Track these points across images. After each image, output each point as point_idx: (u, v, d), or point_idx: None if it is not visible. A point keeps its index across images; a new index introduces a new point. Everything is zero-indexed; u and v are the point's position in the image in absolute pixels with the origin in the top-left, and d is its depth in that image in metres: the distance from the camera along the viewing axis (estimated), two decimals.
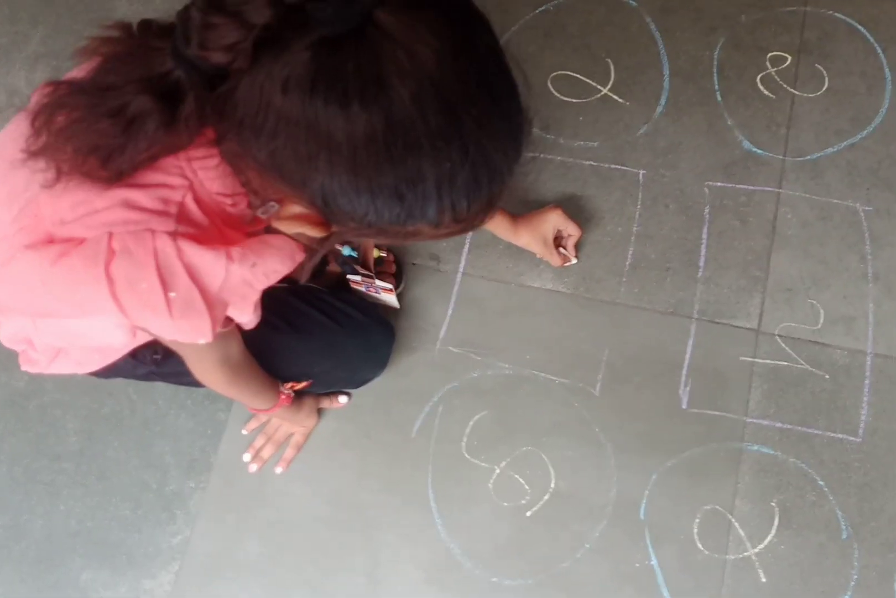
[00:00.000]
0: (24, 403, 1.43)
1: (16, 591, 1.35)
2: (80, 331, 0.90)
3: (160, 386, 1.41)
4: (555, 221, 1.35)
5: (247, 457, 1.36)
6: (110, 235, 0.67)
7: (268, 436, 1.36)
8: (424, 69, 0.52)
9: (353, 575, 1.31)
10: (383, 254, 1.39)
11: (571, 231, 1.37)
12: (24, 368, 1.03)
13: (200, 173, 0.69)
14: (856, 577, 1.26)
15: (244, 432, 1.38)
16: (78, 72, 0.72)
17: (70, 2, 1.71)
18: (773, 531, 1.29)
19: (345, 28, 0.51)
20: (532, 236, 1.37)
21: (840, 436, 1.32)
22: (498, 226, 1.37)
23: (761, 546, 1.28)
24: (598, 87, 1.53)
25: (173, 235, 0.69)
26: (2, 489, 1.39)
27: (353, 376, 1.32)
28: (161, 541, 1.35)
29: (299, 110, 0.52)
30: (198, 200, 0.71)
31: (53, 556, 1.36)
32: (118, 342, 0.96)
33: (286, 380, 1.20)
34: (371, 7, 0.51)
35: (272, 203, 0.76)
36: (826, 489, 1.30)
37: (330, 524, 1.33)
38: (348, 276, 1.32)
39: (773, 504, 1.30)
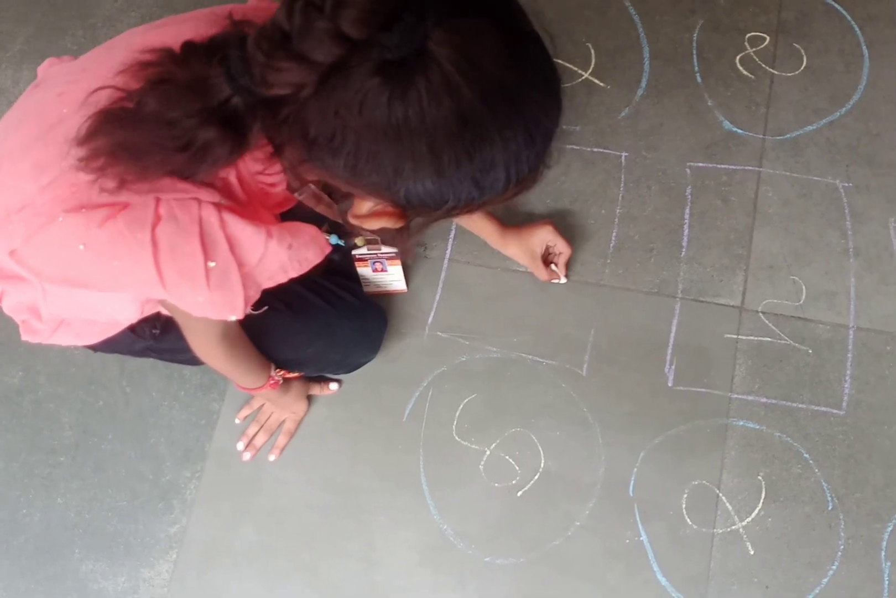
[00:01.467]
0: (18, 399, 1.45)
1: (15, 584, 1.36)
2: (91, 304, 0.93)
3: (153, 378, 1.43)
4: (544, 236, 1.36)
5: (240, 445, 1.38)
6: (157, 200, 0.70)
7: (260, 423, 1.38)
8: (484, 70, 0.55)
9: (349, 559, 1.33)
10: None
11: (561, 248, 1.37)
12: (24, 338, 1.05)
13: (246, 155, 0.70)
14: (842, 547, 1.28)
15: (237, 420, 1.40)
16: (93, 63, 0.75)
17: (54, 0, 1.72)
18: (760, 505, 1.30)
19: (410, 50, 0.54)
20: (520, 248, 1.38)
21: (824, 409, 1.34)
22: (487, 234, 1.38)
23: (749, 520, 1.30)
24: (579, 71, 1.54)
25: (218, 206, 0.72)
26: None
27: (345, 359, 1.34)
28: (158, 531, 1.37)
29: (380, 129, 0.56)
30: (240, 178, 0.74)
31: (52, 548, 1.38)
32: (126, 317, 0.99)
33: (280, 363, 1.22)
34: (432, 27, 0.54)
35: (310, 185, 0.79)
36: (811, 462, 1.32)
37: (324, 509, 1.35)
38: (354, 252, 1.34)
39: (759, 478, 1.31)
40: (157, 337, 1.10)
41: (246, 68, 0.57)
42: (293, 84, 0.55)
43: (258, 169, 0.75)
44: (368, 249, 1.33)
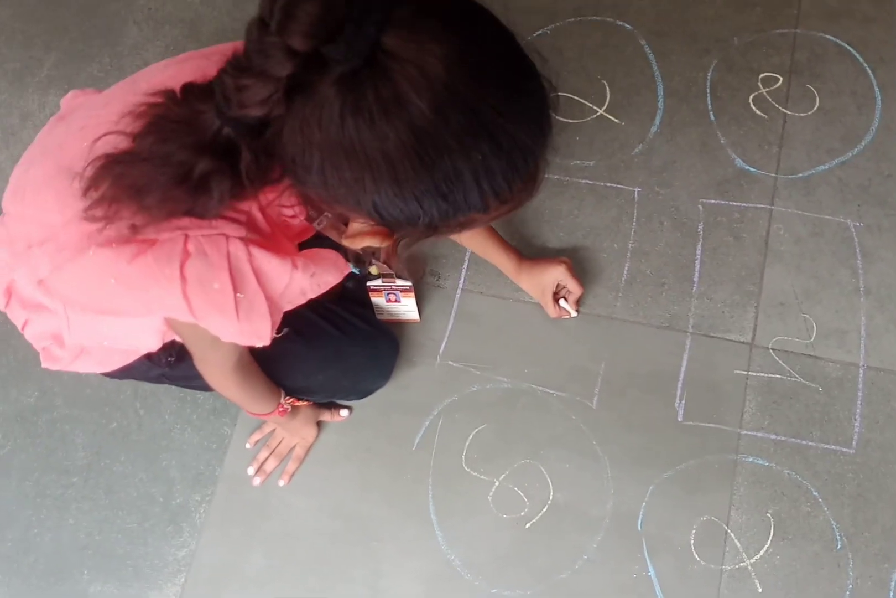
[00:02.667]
0: (34, 418, 1.47)
1: None
2: (114, 333, 0.95)
3: (166, 401, 1.44)
4: (557, 275, 1.36)
5: (251, 470, 1.39)
6: (186, 237, 0.72)
7: (270, 449, 1.39)
8: (435, 77, 0.55)
9: (355, 587, 1.33)
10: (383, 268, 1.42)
11: (572, 289, 1.38)
12: (44, 365, 1.07)
13: (267, 188, 0.73)
14: (851, 587, 1.28)
15: (248, 445, 1.41)
16: (115, 99, 0.78)
17: (83, 27, 1.76)
18: (769, 542, 1.30)
19: (359, 61, 0.54)
20: (531, 284, 1.40)
21: (834, 447, 1.34)
22: (503, 265, 1.40)
23: (757, 557, 1.30)
24: (595, 107, 1.57)
25: (245, 240, 0.75)
26: (11, 503, 1.42)
27: (356, 386, 1.35)
28: (167, 554, 1.38)
29: (336, 142, 0.57)
30: (262, 211, 0.77)
31: (62, 569, 1.39)
32: (147, 346, 1.01)
33: (291, 390, 1.23)
34: (377, 37, 0.54)
35: (326, 214, 0.82)
36: (820, 500, 1.32)
37: (332, 536, 1.36)
38: (368, 283, 1.36)
39: (768, 515, 1.32)
40: (171, 364, 1.12)
41: (223, 95, 0.59)
42: (262, 101, 0.57)
43: (280, 202, 0.77)
44: (383, 282, 1.35)
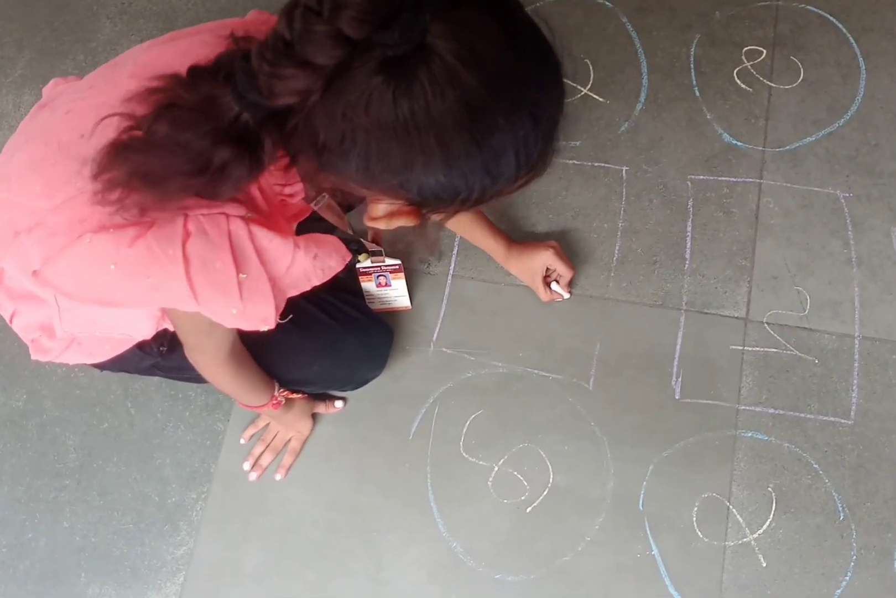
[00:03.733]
0: (23, 422, 1.44)
1: None
2: (108, 321, 0.93)
3: (158, 399, 1.42)
4: (545, 259, 1.35)
5: (246, 466, 1.37)
6: (186, 216, 0.70)
7: (265, 443, 1.37)
8: (484, 58, 0.56)
9: (357, 578, 1.32)
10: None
11: (562, 272, 1.37)
12: (34, 357, 1.05)
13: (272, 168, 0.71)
14: (855, 558, 1.27)
15: (242, 440, 1.39)
16: (100, 81, 0.76)
17: (54, 24, 1.73)
18: (771, 516, 1.30)
19: (410, 47, 0.54)
20: (520, 269, 1.39)
21: (832, 419, 1.34)
22: (492, 251, 1.38)
23: (760, 532, 1.29)
24: (579, 87, 1.55)
25: (245, 219, 0.73)
26: (4, 508, 1.40)
27: (351, 376, 1.34)
28: (165, 553, 1.36)
29: (387, 125, 0.56)
30: (261, 190, 0.75)
31: (58, 573, 1.37)
32: (141, 334, 0.99)
33: (287, 382, 1.21)
34: (429, 23, 0.54)
35: (324, 194, 0.80)
36: (821, 472, 1.31)
37: (331, 528, 1.34)
38: (358, 265, 1.34)
39: (769, 489, 1.31)
40: (163, 354, 1.10)
41: (252, 83, 0.57)
42: (300, 91, 0.56)
43: (278, 181, 0.76)
44: (372, 262, 1.33)
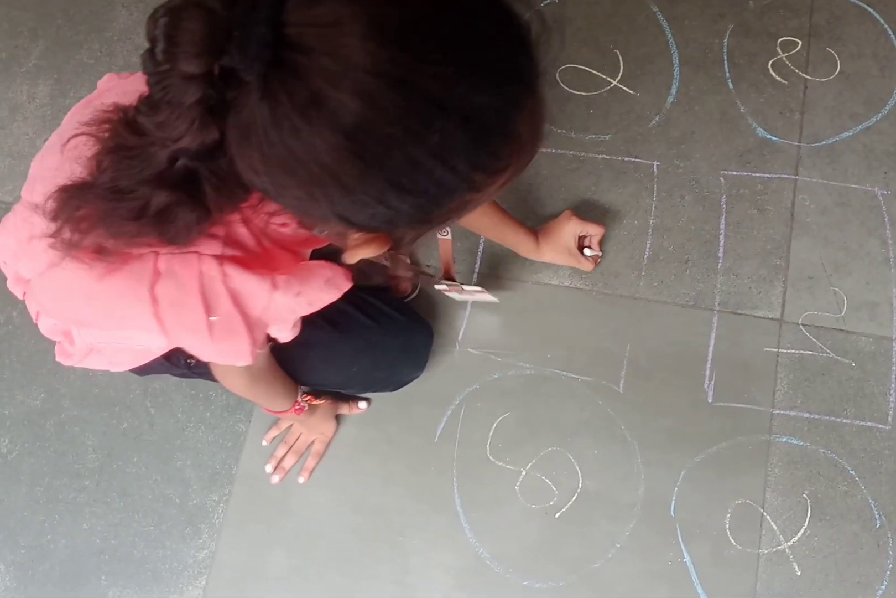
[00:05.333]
0: (42, 421, 1.42)
1: None
2: (119, 336, 0.90)
3: (178, 399, 1.40)
4: (573, 228, 1.32)
5: (268, 468, 1.35)
6: (156, 255, 0.67)
7: (288, 445, 1.35)
8: (352, 60, 0.47)
9: (382, 583, 1.29)
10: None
11: (595, 231, 1.34)
12: (58, 359, 1.03)
13: (241, 206, 0.67)
14: (891, 566, 1.24)
15: (264, 442, 1.36)
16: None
17: (69, 14, 1.69)
18: (806, 523, 1.27)
19: (262, 67, 0.48)
20: (555, 251, 1.34)
21: (869, 424, 1.30)
22: (521, 245, 1.34)
23: (795, 539, 1.26)
24: (608, 79, 1.51)
25: (220, 258, 0.69)
26: (23, 510, 1.38)
27: (391, 377, 1.30)
28: (186, 556, 1.34)
29: (271, 159, 0.52)
30: (245, 220, 0.70)
31: (78, 575, 1.35)
32: (158, 346, 0.96)
33: (322, 383, 1.20)
34: (274, 33, 0.48)
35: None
36: (857, 479, 1.28)
37: (356, 532, 1.32)
38: (437, 286, 1.32)
39: (804, 496, 1.28)
40: (192, 367, 1.07)
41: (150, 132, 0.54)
42: (186, 133, 0.52)
43: (266, 209, 0.70)
44: (449, 286, 1.31)
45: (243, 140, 0.52)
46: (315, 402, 1.23)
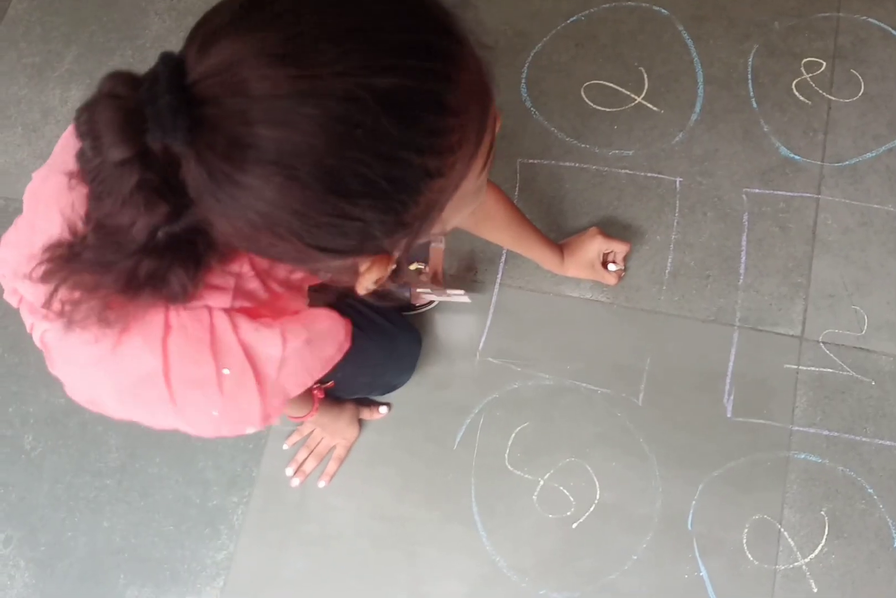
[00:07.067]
0: (65, 420, 1.44)
1: None
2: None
3: None
4: (599, 245, 1.33)
5: (289, 471, 1.36)
6: (167, 309, 0.66)
7: (309, 449, 1.36)
8: (256, 94, 0.47)
9: (398, 589, 1.30)
10: (420, 266, 1.38)
11: (620, 249, 1.34)
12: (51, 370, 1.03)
13: (237, 255, 0.67)
14: None
15: (285, 446, 1.38)
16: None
17: (102, 20, 1.72)
18: (824, 541, 1.27)
19: (185, 131, 0.48)
20: (579, 267, 1.35)
21: (888, 443, 1.31)
22: (546, 258, 1.35)
23: (812, 556, 1.26)
24: (632, 95, 1.53)
25: (229, 311, 0.67)
26: (44, 507, 1.40)
27: (375, 381, 1.32)
28: (205, 557, 1.35)
29: (235, 220, 0.51)
30: (254, 265, 0.69)
31: (97, 573, 1.36)
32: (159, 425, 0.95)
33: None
34: (180, 96, 0.47)
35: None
36: (876, 497, 1.28)
37: (373, 538, 1.33)
38: (419, 290, 1.32)
39: (822, 513, 1.28)
40: None
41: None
42: (139, 215, 0.52)
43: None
44: (433, 291, 1.32)
45: (203, 208, 0.52)
46: (326, 386, 1.22)
